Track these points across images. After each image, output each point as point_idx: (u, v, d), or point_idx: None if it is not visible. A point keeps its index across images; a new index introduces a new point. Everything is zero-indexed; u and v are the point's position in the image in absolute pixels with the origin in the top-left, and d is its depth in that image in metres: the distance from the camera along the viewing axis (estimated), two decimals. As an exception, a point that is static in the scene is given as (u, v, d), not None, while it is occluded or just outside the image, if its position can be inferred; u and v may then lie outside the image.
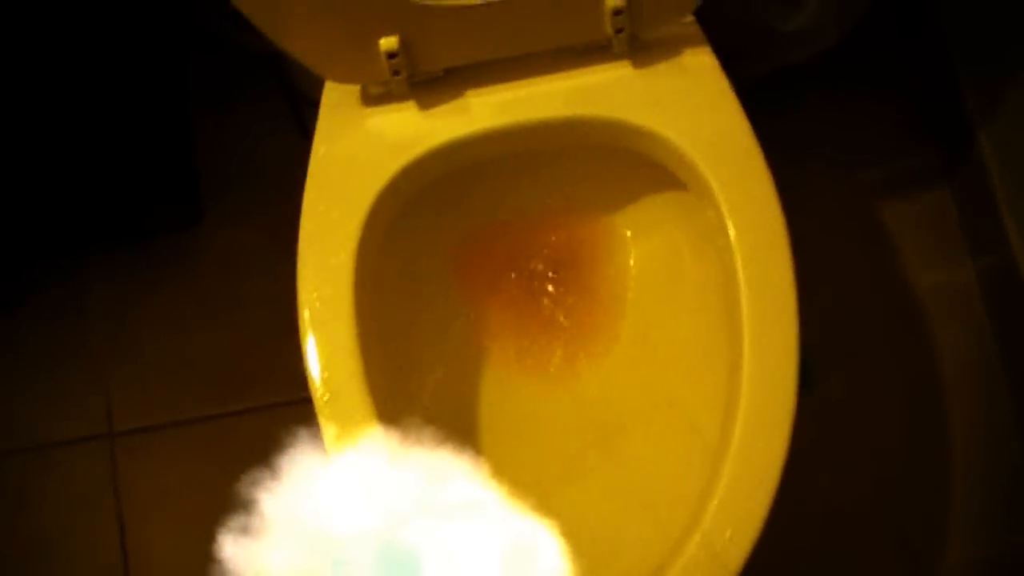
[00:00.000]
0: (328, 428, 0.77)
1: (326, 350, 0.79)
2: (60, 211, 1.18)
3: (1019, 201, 1.09)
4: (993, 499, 1.11)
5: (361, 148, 0.84)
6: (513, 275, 0.95)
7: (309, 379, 0.78)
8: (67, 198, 1.16)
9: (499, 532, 0.38)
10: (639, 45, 0.83)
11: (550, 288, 0.95)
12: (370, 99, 0.85)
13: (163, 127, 1.20)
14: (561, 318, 0.94)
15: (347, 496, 0.39)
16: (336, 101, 0.86)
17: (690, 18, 0.83)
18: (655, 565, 0.74)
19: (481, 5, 0.78)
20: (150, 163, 1.18)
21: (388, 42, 0.79)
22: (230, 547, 0.38)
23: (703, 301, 0.90)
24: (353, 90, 0.85)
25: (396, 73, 0.81)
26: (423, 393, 0.91)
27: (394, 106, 0.84)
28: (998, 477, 1.12)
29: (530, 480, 0.88)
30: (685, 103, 0.82)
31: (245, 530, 0.38)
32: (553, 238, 0.95)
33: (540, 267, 0.95)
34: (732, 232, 0.80)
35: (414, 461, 0.39)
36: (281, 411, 1.14)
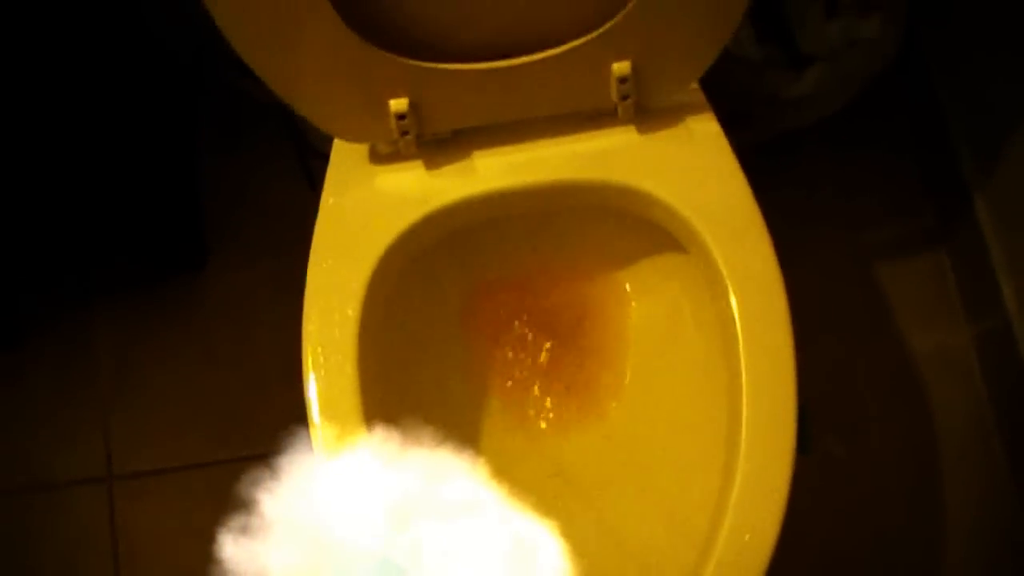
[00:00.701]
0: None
1: (329, 407, 0.79)
2: (65, 251, 1.19)
3: (1014, 266, 1.10)
4: (987, 562, 1.11)
5: (368, 205, 0.85)
6: (516, 331, 0.96)
7: (313, 435, 0.79)
8: (72, 239, 1.17)
9: (499, 533, 0.38)
10: (644, 111, 0.84)
11: (552, 345, 0.96)
12: (378, 157, 0.86)
13: (169, 170, 1.21)
14: (562, 376, 0.95)
15: (346, 499, 0.39)
16: (344, 158, 0.87)
17: (695, 85, 0.85)
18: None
19: (490, 70, 0.80)
20: (155, 205, 1.19)
21: (398, 103, 0.80)
22: (230, 548, 0.38)
23: (703, 362, 0.90)
24: (362, 148, 0.87)
25: (405, 133, 0.82)
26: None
27: (402, 165, 0.86)
28: (993, 540, 1.12)
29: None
30: (688, 170, 0.84)
31: (245, 531, 0.38)
32: (556, 295, 0.96)
33: (543, 324, 0.96)
34: (732, 298, 0.81)
35: (414, 462, 0.40)
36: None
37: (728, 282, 0.81)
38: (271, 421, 1.14)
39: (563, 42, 0.79)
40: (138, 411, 1.21)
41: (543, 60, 0.79)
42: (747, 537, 0.75)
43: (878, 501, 1.14)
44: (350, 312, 0.81)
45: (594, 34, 0.78)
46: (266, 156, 1.26)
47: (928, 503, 1.14)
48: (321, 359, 0.81)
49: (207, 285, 1.25)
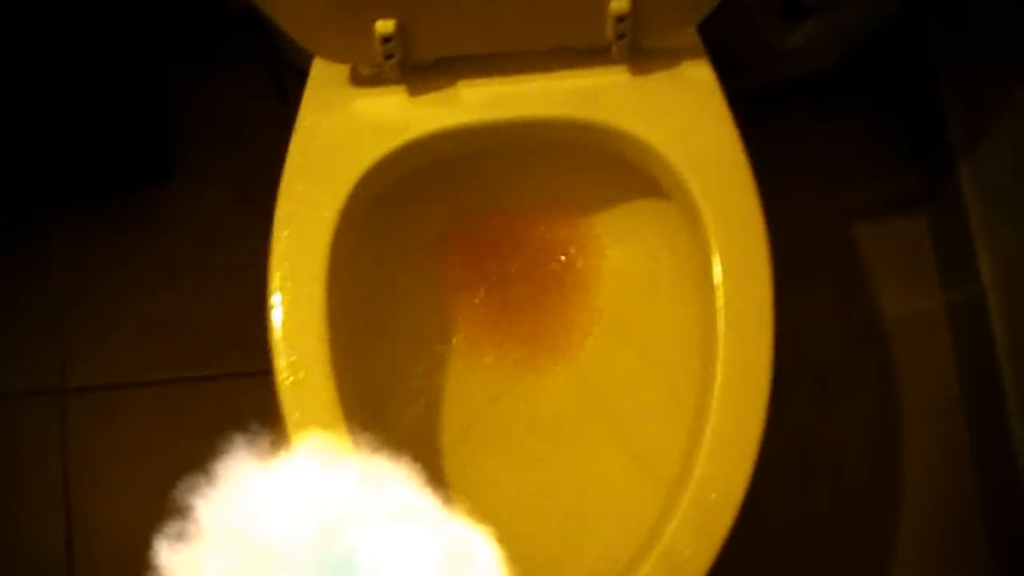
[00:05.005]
0: (290, 412, 0.76)
1: (294, 333, 0.77)
2: (24, 157, 1.15)
3: (992, 237, 1.09)
4: (943, 531, 1.12)
5: (346, 130, 0.82)
6: (489, 270, 0.94)
7: (274, 360, 0.77)
8: (32, 144, 1.13)
9: (437, 539, 0.37)
10: (639, 52, 0.82)
11: (525, 285, 0.94)
12: (359, 79, 0.83)
13: (138, 78, 1.17)
14: (535, 316, 0.93)
15: (286, 502, 0.37)
16: (324, 77, 0.84)
17: (691, 29, 0.82)
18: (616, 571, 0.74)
19: (484, -3, 0.76)
20: (121, 113, 1.15)
21: (385, 25, 0.77)
22: (164, 553, 0.36)
23: (678, 308, 0.89)
24: (342, 68, 0.83)
25: (389, 57, 0.79)
26: (392, 379, 0.90)
27: (383, 89, 0.83)
28: (949, 509, 1.13)
29: (493, 473, 0.88)
30: (679, 115, 0.82)
31: (180, 536, 0.36)
32: (533, 236, 0.94)
33: (517, 264, 0.94)
34: (714, 248, 0.79)
35: (356, 466, 0.38)
36: (241, 382, 1.12)
37: (711, 233, 0.79)
38: (231, 341, 1.14)
39: (562, -28, 0.76)
40: (96, 323, 1.17)
41: (540, -10, 0.76)
42: (714, 495, 0.75)
43: (840, 464, 1.14)
44: (320, 240, 0.79)
45: (594, -33, 0.75)
46: (240, 70, 1.21)
47: (888, 467, 1.14)
48: (289, 284, 0.78)
49: (173, 199, 1.20)
